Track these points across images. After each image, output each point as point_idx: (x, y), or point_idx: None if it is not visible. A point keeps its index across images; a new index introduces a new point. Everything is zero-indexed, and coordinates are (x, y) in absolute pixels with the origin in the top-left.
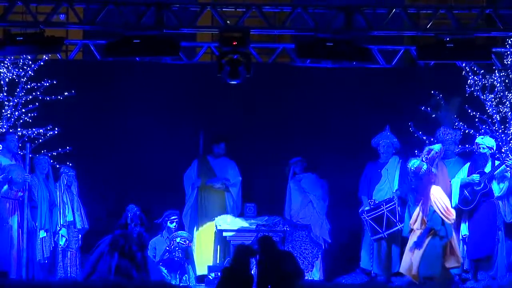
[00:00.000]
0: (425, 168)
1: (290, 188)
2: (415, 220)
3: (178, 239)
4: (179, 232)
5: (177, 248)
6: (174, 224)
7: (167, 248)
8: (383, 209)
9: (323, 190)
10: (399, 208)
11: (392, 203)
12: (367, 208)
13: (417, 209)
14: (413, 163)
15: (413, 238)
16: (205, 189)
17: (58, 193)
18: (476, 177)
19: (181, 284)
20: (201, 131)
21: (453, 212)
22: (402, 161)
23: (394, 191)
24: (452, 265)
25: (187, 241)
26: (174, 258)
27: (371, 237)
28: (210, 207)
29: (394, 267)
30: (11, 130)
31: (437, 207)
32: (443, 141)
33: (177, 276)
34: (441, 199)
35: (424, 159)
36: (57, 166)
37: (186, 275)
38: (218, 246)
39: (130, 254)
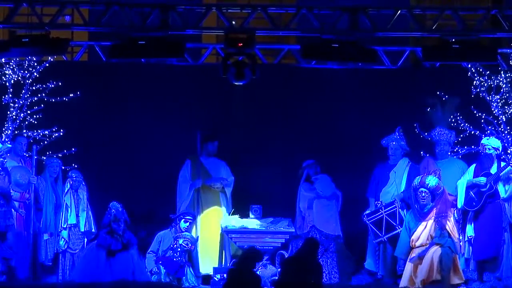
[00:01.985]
0: (442, 189)
1: (302, 190)
2: (418, 237)
3: (181, 241)
4: (184, 233)
5: (178, 249)
6: (188, 224)
7: (171, 245)
8: (382, 213)
9: (336, 190)
10: (404, 211)
11: (392, 206)
12: (367, 211)
13: (423, 225)
14: (432, 181)
15: (415, 253)
16: (203, 189)
17: (61, 195)
18: (482, 179)
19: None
20: (198, 132)
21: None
22: (411, 164)
23: (399, 192)
24: (456, 282)
25: (190, 244)
26: (174, 258)
27: (373, 241)
28: (207, 207)
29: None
30: (16, 132)
31: (449, 225)
32: (438, 141)
33: (174, 277)
34: (451, 218)
35: (438, 178)
36: (63, 167)
37: (184, 278)
38: (224, 248)
39: (117, 252)
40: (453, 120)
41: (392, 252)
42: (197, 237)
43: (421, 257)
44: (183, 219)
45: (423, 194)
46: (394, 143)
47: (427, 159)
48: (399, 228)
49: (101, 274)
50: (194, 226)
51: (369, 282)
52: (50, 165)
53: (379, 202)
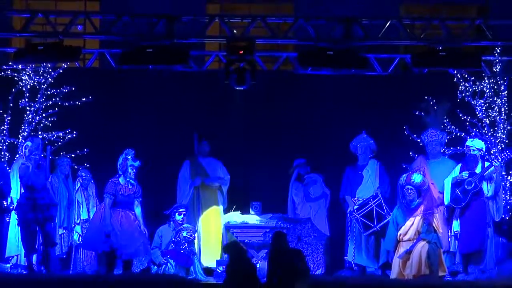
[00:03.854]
0: (427, 185)
1: (293, 188)
2: (406, 232)
3: (184, 233)
4: (184, 225)
5: (183, 241)
6: (182, 216)
7: (173, 239)
8: (371, 205)
9: (325, 189)
10: (384, 204)
11: (378, 198)
12: (356, 207)
13: (411, 221)
14: (417, 178)
15: (403, 247)
16: (202, 188)
17: (73, 192)
18: (464, 174)
19: (188, 276)
20: (194, 133)
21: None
22: (379, 164)
23: (376, 188)
24: (440, 274)
25: (193, 234)
26: (181, 250)
27: (363, 233)
28: (207, 204)
29: (381, 258)
30: (32, 133)
31: (435, 221)
32: (430, 142)
33: (184, 268)
34: (438, 214)
35: (424, 176)
36: (75, 167)
37: (192, 267)
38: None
39: (123, 201)
40: (442, 123)
41: (375, 242)
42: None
43: (408, 252)
44: (177, 213)
45: (409, 191)
46: (364, 143)
47: (420, 159)
48: (388, 217)
49: (103, 222)
50: (197, 223)
51: (356, 275)
52: (61, 164)
53: (355, 198)
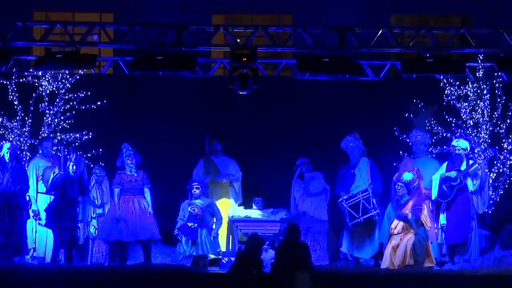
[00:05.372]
0: (417, 184)
1: (297, 185)
2: (396, 226)
3: (189, 208)
4: (194, 201)
5: (187, 214)
6: (197, 190)
7: (189, 210)
8: (359, 197)
9: (326, 185)
10: (373, 199)
11: (366, 192)
12: (345, 197)
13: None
14: (407, 176)
15: (394, 239)
16: (213, 184)
17: (89, 189)
18: (453, 173)
19: (193, 251)
20: (206, 134)
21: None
22: (370, 162)
23: (368, 185)
24: (428, 265)
25: (196, 210)
26: (187, 224)
27: (348, 223)
28: (217, 199)
29: (373, 250)
30: (51, 135)
31: (423, 216)
32: (414, 142)
33: (189, 240)
34: (425, 210)
35: (414, 175)
36: (91, 165)
37: (199, 240)
38: (231, 235)
39: (131, 188)
40: (427, 124)
41: (367, 234)
42: (211, 202)
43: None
44: (194, 187)
45: (398, 188)
46: (351, 144)
47: (406, 159)
48: (373, 211)
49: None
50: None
51: (351, 265)
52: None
53: (349, 194)
